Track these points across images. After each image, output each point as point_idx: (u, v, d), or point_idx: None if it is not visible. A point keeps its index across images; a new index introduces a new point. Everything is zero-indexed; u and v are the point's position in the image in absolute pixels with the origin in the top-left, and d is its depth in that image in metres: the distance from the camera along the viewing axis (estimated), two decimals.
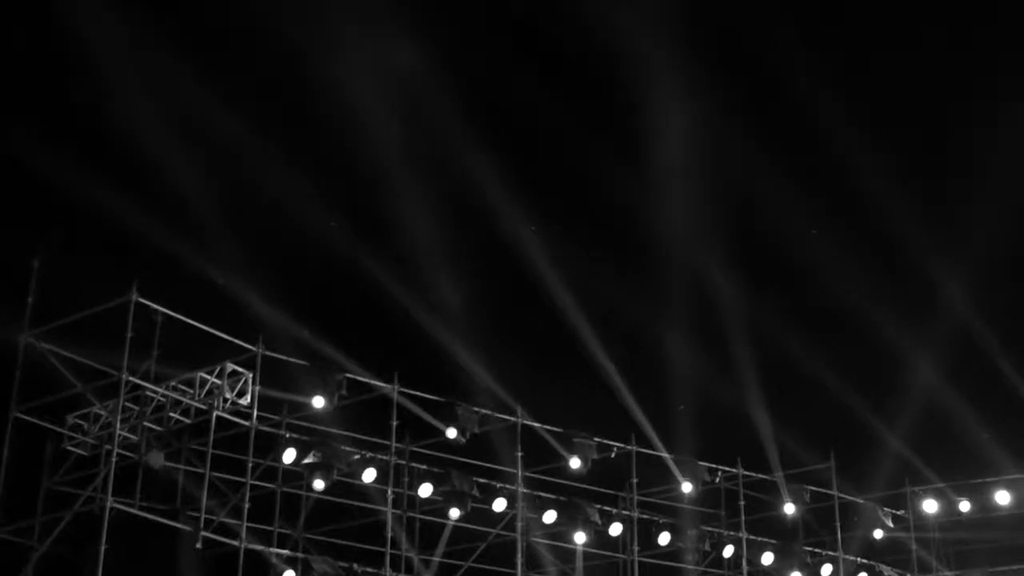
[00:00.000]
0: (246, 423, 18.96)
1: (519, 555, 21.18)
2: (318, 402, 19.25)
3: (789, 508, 24.10)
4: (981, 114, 22.70)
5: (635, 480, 22.79)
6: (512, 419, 21.35)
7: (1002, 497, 24.76)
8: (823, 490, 24.43)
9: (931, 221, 23.13)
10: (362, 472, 19.92)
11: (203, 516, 17.99)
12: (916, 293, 24.43)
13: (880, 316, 24.24)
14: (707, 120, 21.87)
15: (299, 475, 19.80)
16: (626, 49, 21.12)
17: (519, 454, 21.37)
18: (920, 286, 24.25)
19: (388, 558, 19.67)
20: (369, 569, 19.45)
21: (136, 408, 18.96)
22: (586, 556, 22.98)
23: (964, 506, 25.06)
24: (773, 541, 23.82)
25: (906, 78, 22.72)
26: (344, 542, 21.00)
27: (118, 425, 18.06)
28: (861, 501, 24.78)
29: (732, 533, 23.69)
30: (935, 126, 23.67)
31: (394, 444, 20.22)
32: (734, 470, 23.91)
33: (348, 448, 19.82)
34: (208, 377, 18.81)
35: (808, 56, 21.07)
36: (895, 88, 22.98)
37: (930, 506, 25.18)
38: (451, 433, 20.46)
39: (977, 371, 24.70)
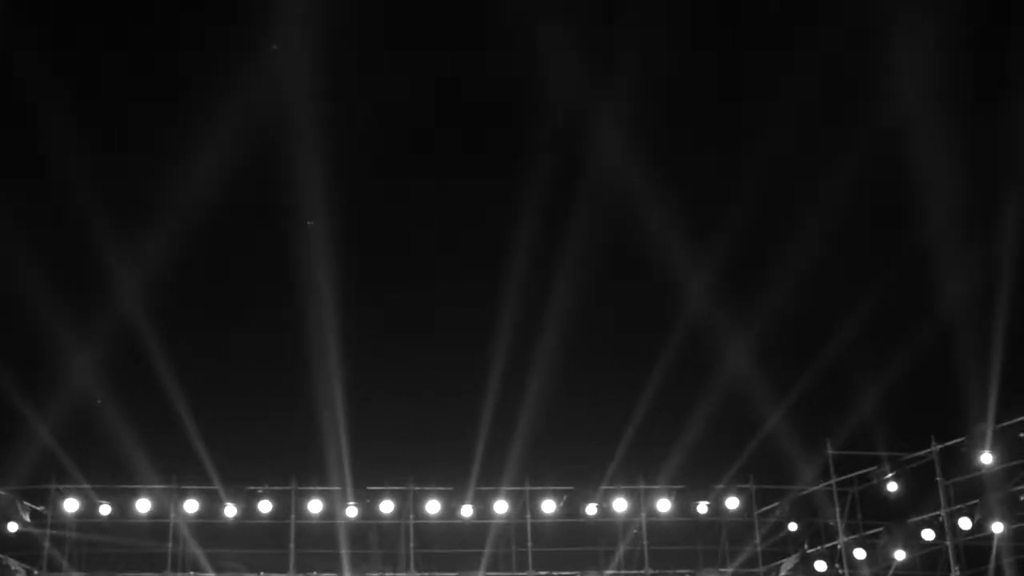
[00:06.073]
0: None
1: None
2: None
3: None
4: None
5: None
6: None
7: (143, 505, 24.90)
8: None
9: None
10: None
11: None
12: (88, 282, 24.27)
13: (46, 305, 23.69)
14: None
15: None
16: None
17: None
18: (93, 275, 24.16)
19: None
20: None
21: None
22: None
23: (105, 509, 24.82)
24: None
25: None
26: None
27: None
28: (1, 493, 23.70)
29: None
30: None
31: None
32: None
33: None
34: None
35: None
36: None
37: (71, 505, 24.67)
38: None
39: (136, 379, 24.90)
